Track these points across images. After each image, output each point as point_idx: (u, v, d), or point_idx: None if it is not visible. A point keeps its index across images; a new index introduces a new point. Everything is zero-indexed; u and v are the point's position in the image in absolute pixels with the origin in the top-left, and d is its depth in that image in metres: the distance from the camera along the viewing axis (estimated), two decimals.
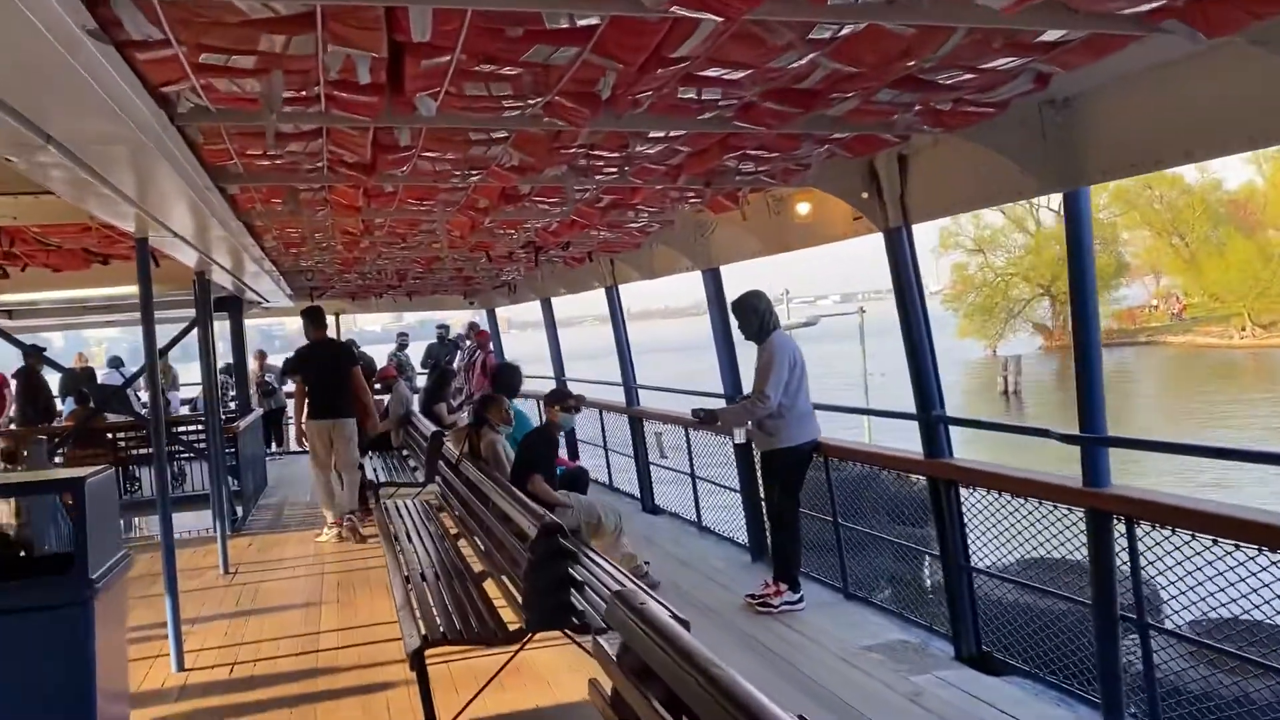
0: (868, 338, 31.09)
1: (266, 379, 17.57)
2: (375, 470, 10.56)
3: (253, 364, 17.57)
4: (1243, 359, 53.59)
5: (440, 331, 17.74)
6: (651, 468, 10.88)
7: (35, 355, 13.60)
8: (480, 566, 6.33)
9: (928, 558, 6.98)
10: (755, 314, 6.86)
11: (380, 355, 18.09)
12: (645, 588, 5.33)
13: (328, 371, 9.49)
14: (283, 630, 7.06)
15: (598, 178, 5.30)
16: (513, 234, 7.77)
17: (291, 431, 18.63)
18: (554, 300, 15.35)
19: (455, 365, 16.29)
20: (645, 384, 11.03)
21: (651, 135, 4.38)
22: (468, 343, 16.54)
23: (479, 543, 6.58)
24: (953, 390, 47.14)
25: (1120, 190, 60.03)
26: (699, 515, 9.92)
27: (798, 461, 6.96)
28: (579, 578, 4.90)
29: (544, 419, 7.69)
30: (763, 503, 7.59)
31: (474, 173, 4.97)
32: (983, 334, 62.70)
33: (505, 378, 8.70)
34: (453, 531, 7.51)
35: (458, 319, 19.42)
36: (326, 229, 7.22)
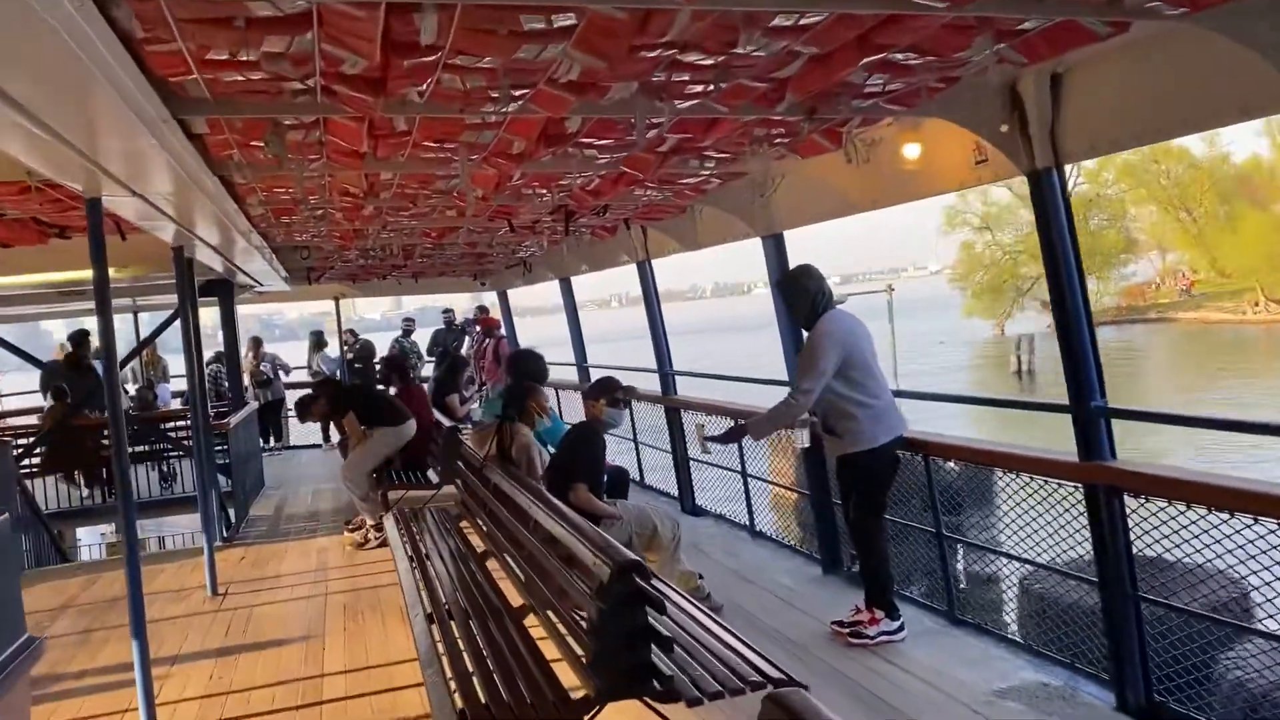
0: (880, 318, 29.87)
1: (262, 368, 16.26)
2: (391, 473, 9.27)
3: (247, 353, 16.30)
4: (1256, 335, 52.32)
5: (447, 316, 16.45)
6: (692, 463, 9.63)
7: None
8: (517, 597, 5.08)
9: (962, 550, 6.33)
10: (805, 294, 5.65)
11: (381, 344, 16.88)
12: (708, 611, 4.10)
13: None
14: (279, 671, 5.82)
15: (676, 102, 4.01)
16: (544, 194, 6.48)
17: (292, 424, 17.43)
18: (535, 287, 14.11)
19: (465, 352, 15.09)
20: (685, 369, 9.74)
21: (774, 25, 3.09)
22: (477, 329, 15.31)
23: (514, 567, 5.34)
24: (964, 370, 45.83)
25: (1127, 165, 58.75)
26: (751, 518, 8.66)
27: (880, 466, 5.66)
28: (664, 630, 3.64)
29: (586, 416, 6.43)
30: (839, 514, 6.25)
31: (518, 92, 3.68)
32: (990, 313, 61.46)
33: (527, 365, 7.43)
34: (479, 549, 6.26)
35: (459, 305, 18.15)
36: (323, 188, 5.93)
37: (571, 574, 4.34)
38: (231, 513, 10.26)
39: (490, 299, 15.90)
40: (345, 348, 16.36)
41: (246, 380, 15.97)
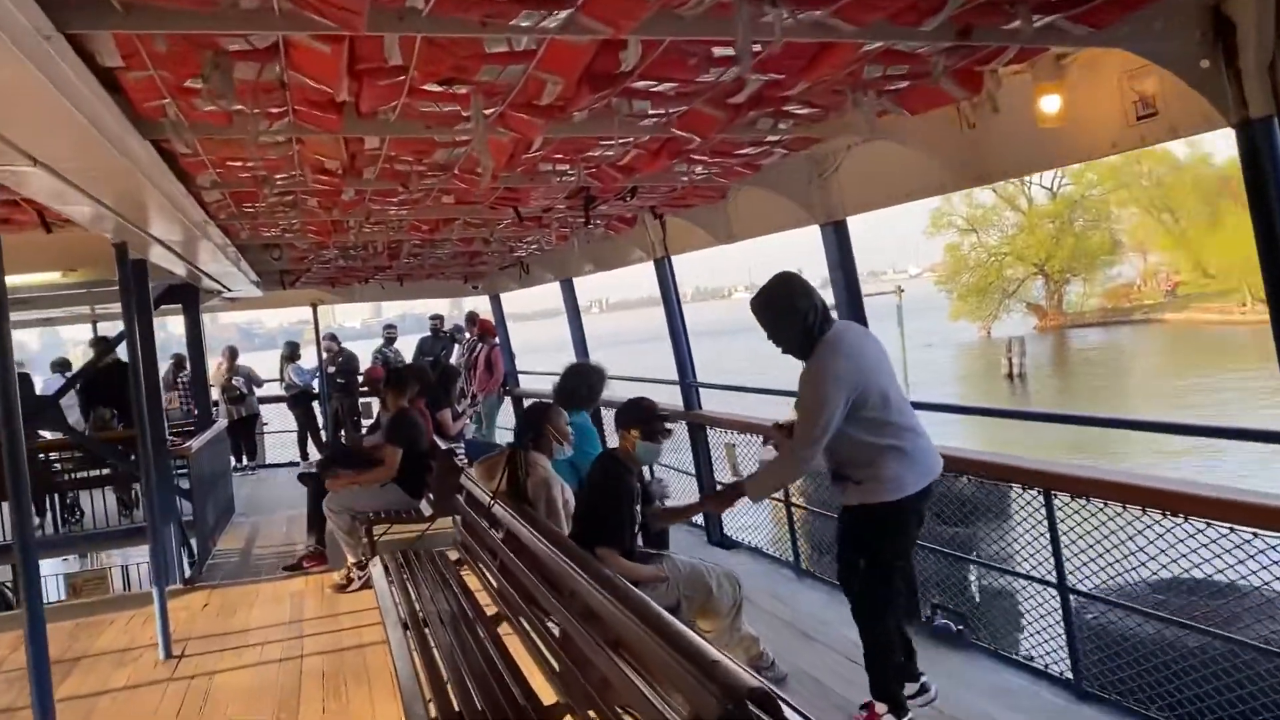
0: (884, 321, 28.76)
1: (235, 381, 14.89)
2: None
3: (219, 365, 14.94)
4: (1244, 335, 51.55)
5: (434, 323, 15.14)
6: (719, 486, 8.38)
7: None
8: (546, 687, 3.83)
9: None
10: (794, 315, 4.18)
11: (362, 354, 15.51)
12: (770, 687, 2.87)
13: None
14: None
15: (789, 13, 2.77)
16: (565, 171, 5.21)
17: (268, 441, 16.08)
18: (520, 292, 12.84)
19: (453, 361, 13.81)
20: (713, 382, 8.50)
21: None
22: (467, 335, 14.03)
23: (538, 644, 4.10)
24: (956, 374, 45.02)
25: (1110, 167, 58.08)
26: (796, 553, 7.42)
27: (905, 520, 4.33)
28: None
29: (617, 449, 5.10)
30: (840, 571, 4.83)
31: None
32: (976, 315, 60.61)
33: (577, 382, 6.17)
34: (488, 610, 5.00)
35: (444, 312, 16.77)
36: (291, 161, 4.63)
37: (634, 676, 3.10)
38: (194, 542, 8.92)
39: (480, 304, 14.61)
40: (327, 356, 14.99)
41: (217, 394, 14.65)
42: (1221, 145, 58.53)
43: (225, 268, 8.64)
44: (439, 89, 3.43)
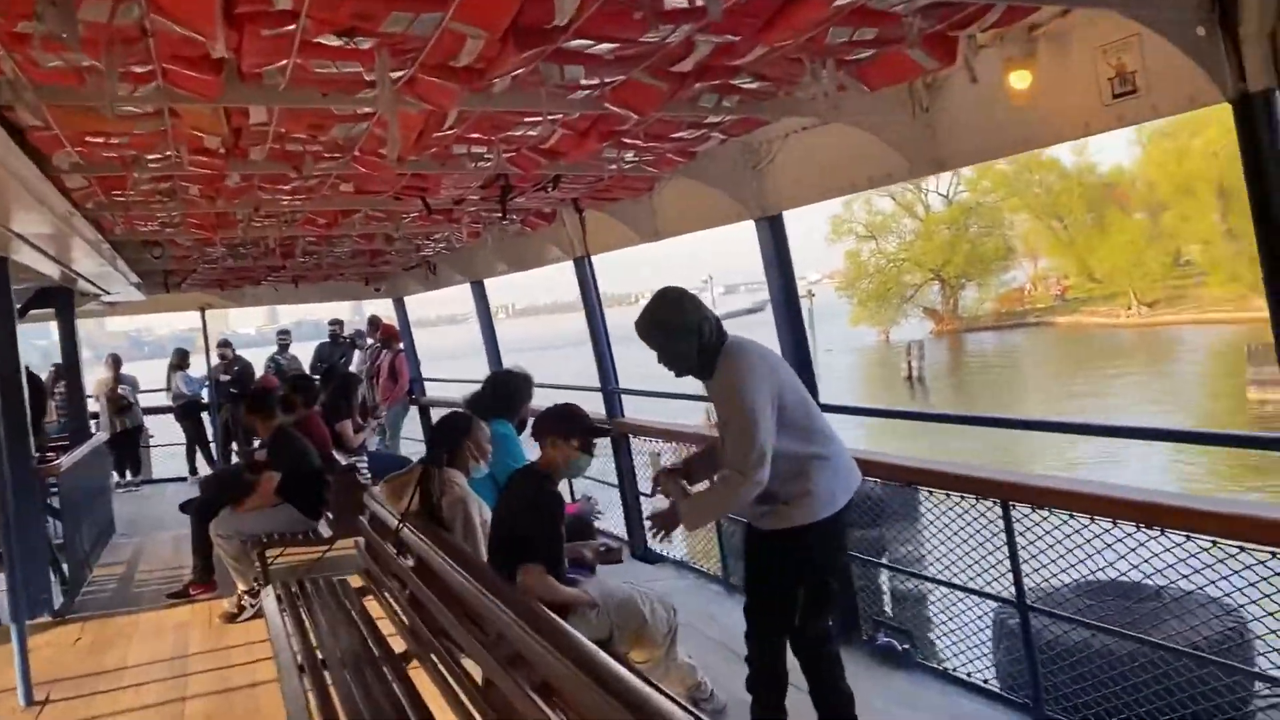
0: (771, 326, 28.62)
1: (120, 391, 13.84)
2: None
3: (104, 373, 13.88)
4: (1130, 337, 53.35)
5: (333, 328, 14.31)
6: (643, 500, 7.90)
7: None
8: None
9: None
10: (688, 333, 3.80)
11: (259, 362, 14.60)
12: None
13: None
14: None
15: None
16: (482, 155, 4.65)
17: (153, 455, 15.03)
18: (409, 299, 12.27)
19: (354, 369, 13.04)
20: (634, 388, 8.01)
21: None
22: (369, 341, 13.27)
23: (454, 689, 3.55)
24: (857, 378, 45.52)
25: (1002, 175, 59.63)
26: (726, 568, 6.98)
27: (840, 538, 4.06)
28: None
29: (538, 463, 4.56)
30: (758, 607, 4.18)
31: None
32: (876, 320, 61.53)
33: (502, 390, 5.61)
34: (397, 648, 4.43)
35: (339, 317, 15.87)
36: (163, 136, 3.98)
37: None
38: (66, 568, 8.05)
39: (383, 308, 13.87)
40: (221, 363, 14.04)
41: (95, 406, 13.60)
42: (1108, 154, 60.62)
43: (100, 268, 7.84)
44: (337, 43, 2.86)
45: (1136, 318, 55.02)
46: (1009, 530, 4.49)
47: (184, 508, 8.04)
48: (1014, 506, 4.48)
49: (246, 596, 6.92)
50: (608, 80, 3.45)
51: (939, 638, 5.26)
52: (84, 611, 7.49)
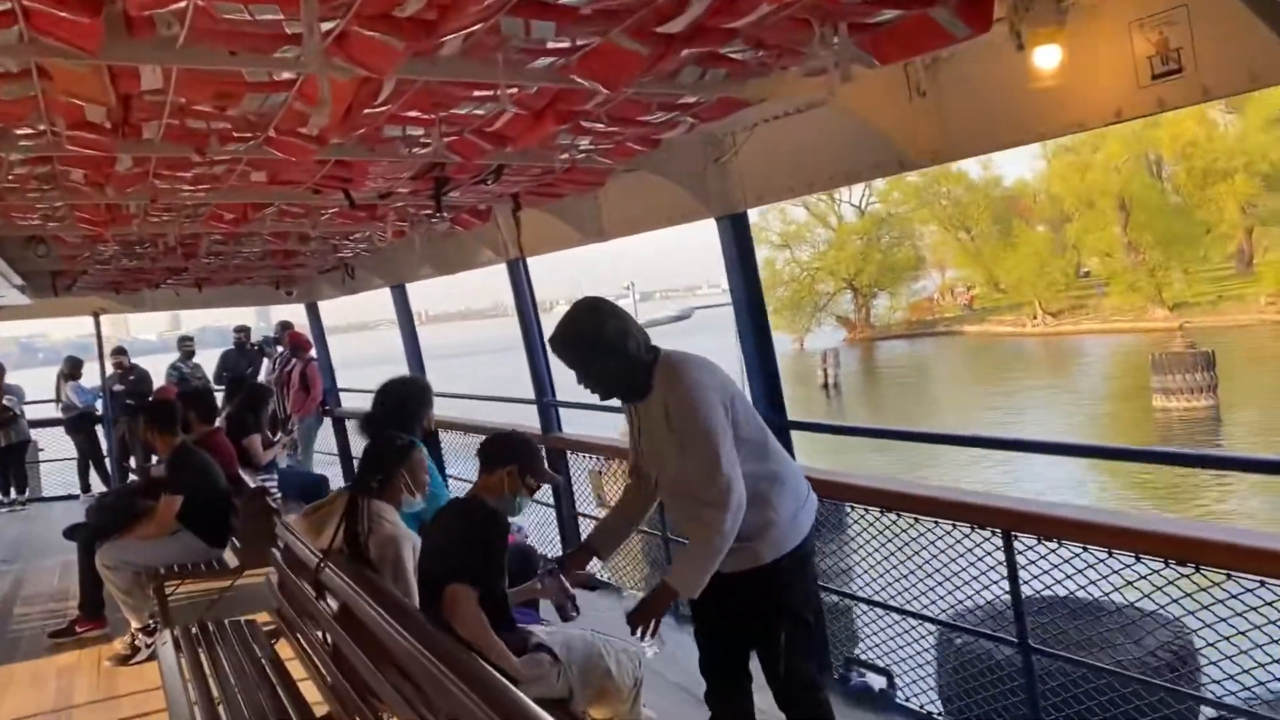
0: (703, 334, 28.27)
1: (5, 402, 12.69)
2: None
3: None
4: (1035, 346, 54.50)
5: (239, 336, 13.39)
6: (581, 519, 7.32)
7: None
8: None
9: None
10: (610, 350, 3.25)
11: (158, 371, 13.56)
12: None
13: None
14: None
15: None
16: (419, 136, 4.01)
17: (43, 470, 13.88)
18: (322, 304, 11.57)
19: (262, 379, 12.18)
20: (570, 401, 7.41)
21: None
22: (279, 349, 12.41)
23: None
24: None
25: (912, 186, 60.56)
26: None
27: (806, 568, 3.55)
28: None
29: (474, 489, 3.84)
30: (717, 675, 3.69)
31: None
32: (791, 328, 61.81)
33: (400, 401, 4.95)
34: (315, 707, 3.79)
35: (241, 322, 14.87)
36: (34, 104, 3.25)
37: None
38: None
39: (294, 313, 13.00)
40: (116, 372, 13.01)
41: None
42: (1010, 168, 62.17)
43: None
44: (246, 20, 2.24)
45: (1041, 327, 56.29)
46: (1011, 564, 4.03)
47: (70, 534, 7.19)
48: (1016, 537, 4.03)
49: (141, 635, 6.15)
50: (580, 44, 2.88)
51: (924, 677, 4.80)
52: None
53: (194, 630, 4.75)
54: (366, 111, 3.50)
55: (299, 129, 3.64)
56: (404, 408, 4.87)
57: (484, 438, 3.95)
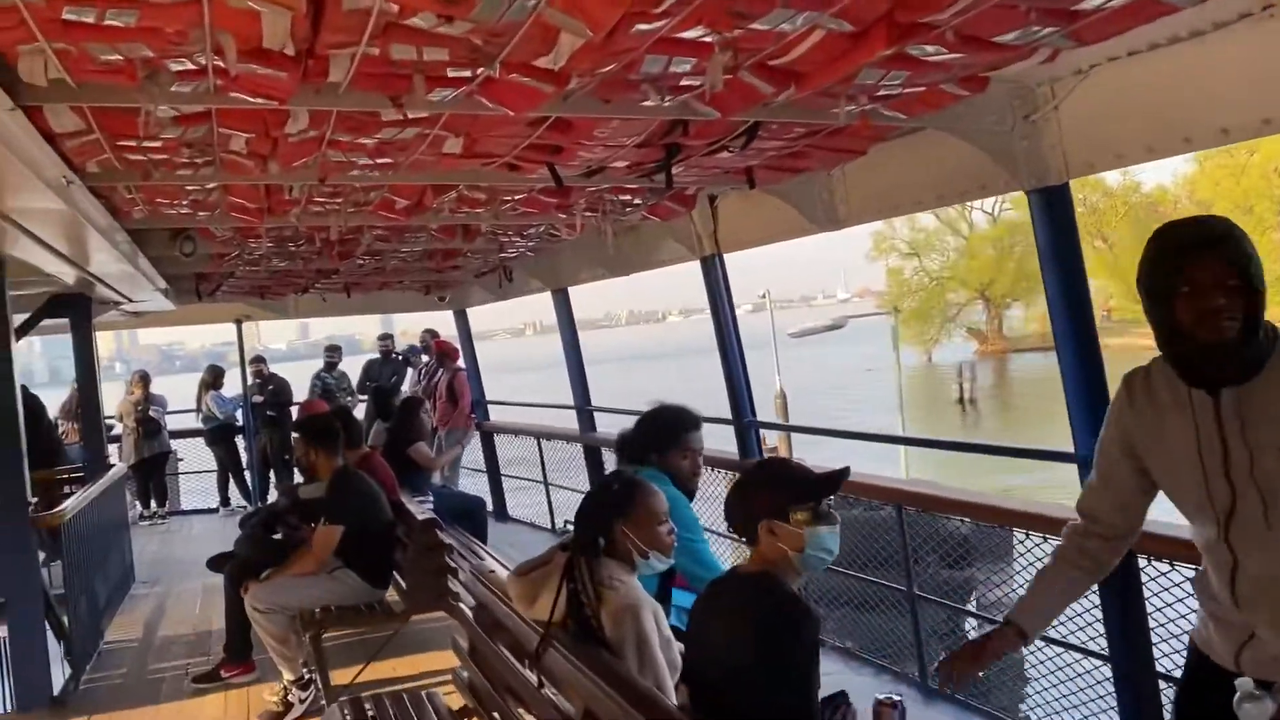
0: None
1: (152, 413, 12.27)
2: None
3: (133, 391, 12.33)
4: None
5: (384, 345, 12.72)
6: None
7: None
8: None
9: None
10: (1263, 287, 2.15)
11: (294, 381, 12.98)
12: None
13: None
14: None
15: None
16: (678, 80, 3.00)
17: (181, 485, 13.48)
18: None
19: (406, 390, 11.45)
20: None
21: None
22: (425, 359, 11.67)
23: None
24: (902, 400, 43.85)
25: None
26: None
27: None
28: None
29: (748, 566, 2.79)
30: None
31: None
32: (917, 340, 59.49)
33: (662, 425, 3.95)
34: None
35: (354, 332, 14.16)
36: (198, 13, 2.36)
37: None
38: (74, 640, 6.45)
39: (432, 321, 12.28)
40: (256, 381, 12.50)
41: (120, 427, 12.08)
42: (1150, 174, 58.87)
43: (118, 265, 6.27)
44: None
45: None
46: None
47: (215, 565, 6.45)
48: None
49: (294, 689, 5.31)
50: None
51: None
52: (91, 699, 5.89)
53: (366, 711, 3.83)
54: (637, 29, 2.48)
55: (536, 60, 2.66)
56: (657, 435, 3.88)
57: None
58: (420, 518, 5.49)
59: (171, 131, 3.34)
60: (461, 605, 4.14)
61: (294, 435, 5.72)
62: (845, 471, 2.74)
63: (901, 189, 4.54)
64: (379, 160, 3.97)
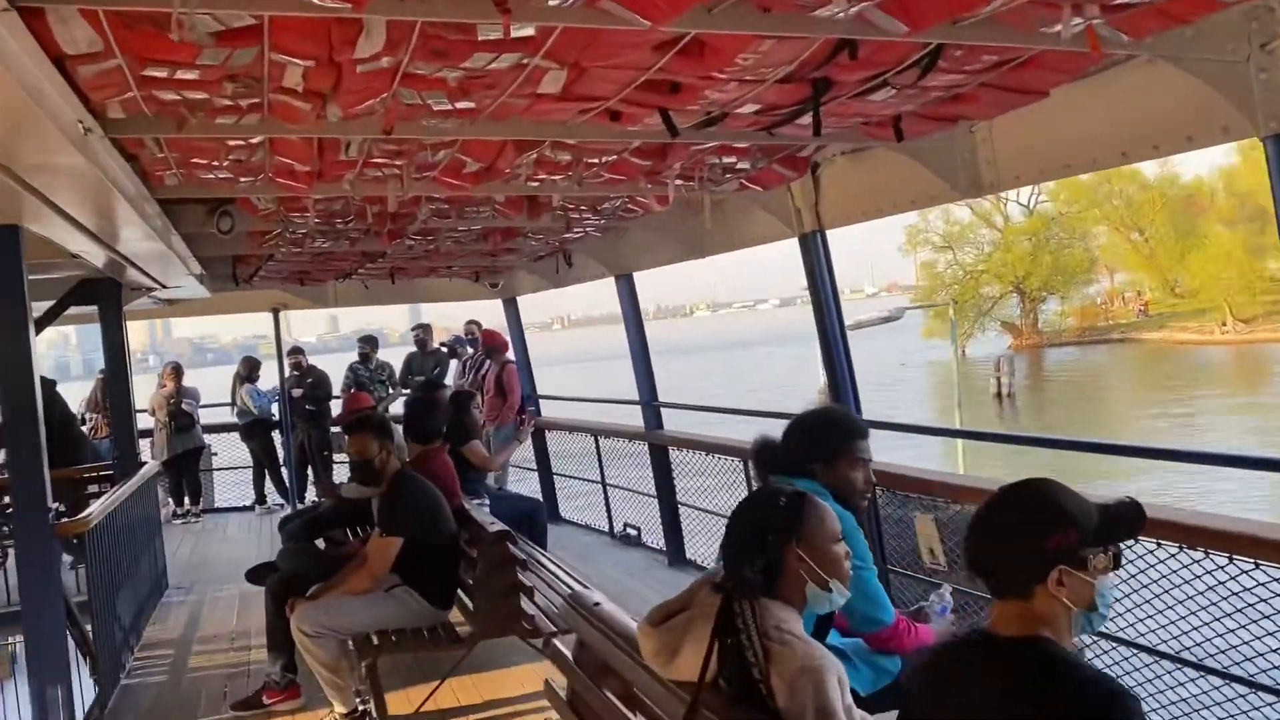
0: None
1: (185, 407, 11.62)
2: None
3: (164, 384, 11.71)
4: (1227, 356, 49.67)
5: (419, 334, 11.98)
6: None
7: None
8: None
9: None
10: None
11: (333, 373, 12.29)
12: None
13: None
14: None
15: None
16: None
17: (214, 480, 12.83)
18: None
19: (450, 383, 10.77)
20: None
21: None
22: (469, 351, 10.99)
23: None
24: (942, 394, 42.82)
25: (1080, 186, 56.47)
26: None
27: None
28: None
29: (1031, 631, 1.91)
30: None
31: None
32: (951, 333, 58.38)
33: (829, 430, 3.23)
34: None
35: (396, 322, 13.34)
36: None
37: None
38: (100, 657, 5.78)
39: (474, 311, 11.53)
40: (294, 374, 11.83)
41: (151, 421, 11.47)
42: (1190, 165, 57.46)
43: (149, 244, 5.58)
44: None
45: (1232, 334, 51.34)
46: None
47: (254, 578, 5.78)
48: None
49: None
50: None
51: None
52: (129, 707, 5.26)
53: None
54: None
55: None
56: (823, 442, 3.16)
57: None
58: (490, 527, 4.76)
59: (211, 56, 2.62)
60: (554, 642, 3.41)
61: (350, 432, 4.99)
62: (1137, 505, 1.98)
63: (1074, 143, 3.76)
64: (458, 105, 3.23)
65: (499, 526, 4.73)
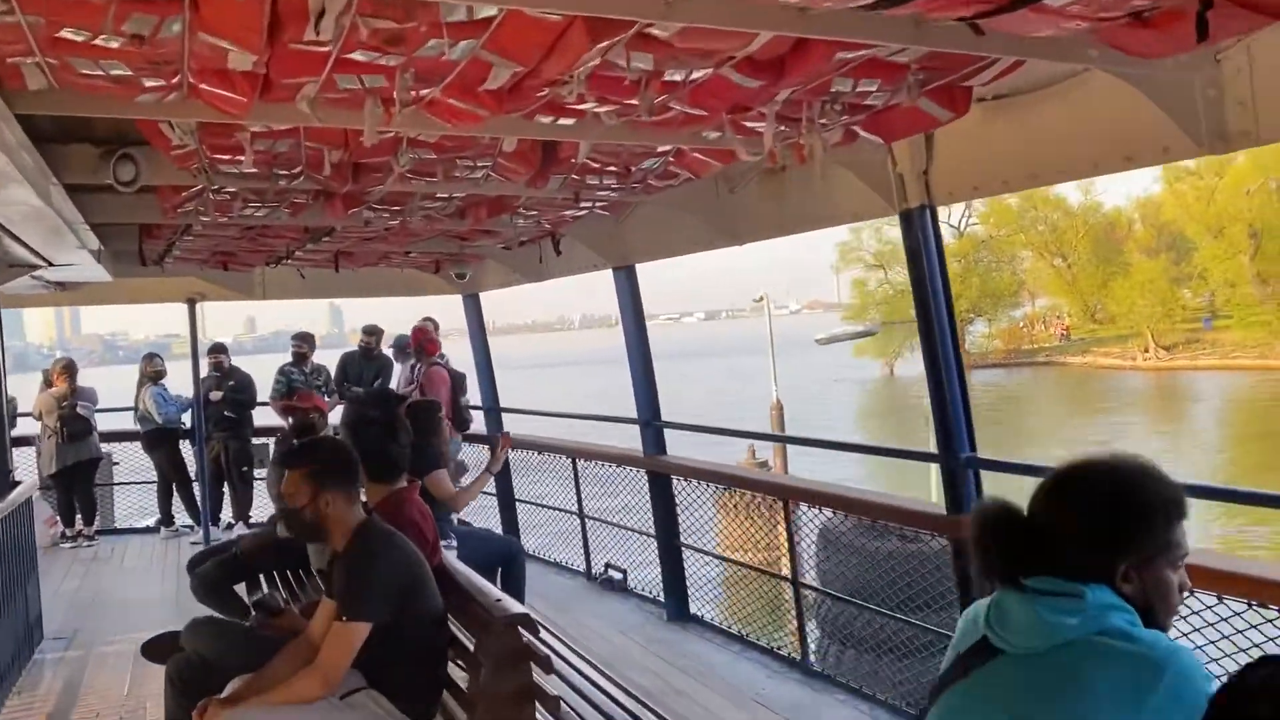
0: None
1: (79, 411, 9.79)
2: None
3: (56, 383, 9.91)
4: (1148, 382, 50.11)
5: (367, 339, 10.29)
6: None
7: None
8: None
9: None
10: None
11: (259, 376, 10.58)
12: None
13: None
14: None
15: None
16: None
17: (114, 496, 11.03)
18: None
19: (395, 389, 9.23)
20: None
21: None
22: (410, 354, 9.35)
23: None
24: (872, 413, 42.24)
25: (1007, 211, 56.96)
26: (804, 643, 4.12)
27: None
28: None
29: None
30: None
31: None
32: (881, 352, 58.11)
33: (1143, 507, 2.15)
34: None
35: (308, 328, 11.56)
36: None
37: None
38: None
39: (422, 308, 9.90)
40: (215, 375, 10.14)
41: (39, 427, 9.67)
42: (1109, 195, 58.32)
43: (17, 192, 3.99)
44: None
45: (1154, 361, 51.84)
46: None
47: (152, 653, 4.19)
48: None
49: None
50: None
51: None
52: None
53: None
54: None
55: None
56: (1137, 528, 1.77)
57: None
58: (498, 605, 3.27)
59: None
60: None
61: (288, 465, 3.47)
62: None
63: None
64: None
65: (513, 607, 3.24)
